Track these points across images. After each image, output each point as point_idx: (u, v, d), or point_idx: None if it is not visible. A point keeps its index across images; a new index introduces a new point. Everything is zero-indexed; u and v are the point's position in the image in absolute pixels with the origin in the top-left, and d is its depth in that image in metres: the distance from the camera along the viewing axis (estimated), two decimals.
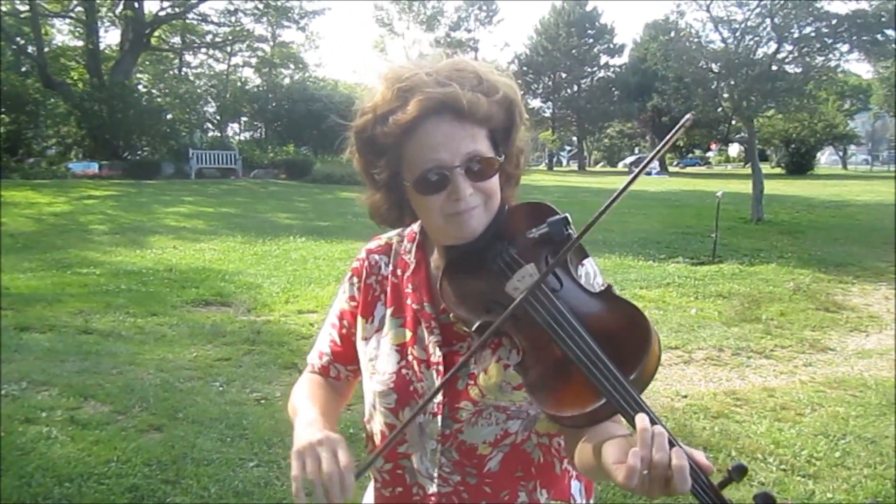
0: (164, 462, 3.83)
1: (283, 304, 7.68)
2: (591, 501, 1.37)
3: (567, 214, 1.17)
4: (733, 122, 34.04)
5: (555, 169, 53.95)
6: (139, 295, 7.92)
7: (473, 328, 1.14)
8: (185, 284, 8.48)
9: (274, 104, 37.65)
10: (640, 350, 1.02)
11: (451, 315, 1.22)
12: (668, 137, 1.09)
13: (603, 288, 1.16)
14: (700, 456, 0.95)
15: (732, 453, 4.08)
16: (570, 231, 1.15)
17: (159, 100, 33.47)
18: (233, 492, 3.57)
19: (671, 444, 0.92)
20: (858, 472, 3.88)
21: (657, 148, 1.13)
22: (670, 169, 51.07)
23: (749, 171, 17.42)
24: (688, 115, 1.08)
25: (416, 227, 1.35)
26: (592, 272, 1.27)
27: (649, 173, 42.48)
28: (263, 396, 4.88)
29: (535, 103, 57.43)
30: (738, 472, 0.93)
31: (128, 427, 4.29)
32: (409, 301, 1.30)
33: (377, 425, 1.32)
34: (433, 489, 1.25)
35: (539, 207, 1.23)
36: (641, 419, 0.94)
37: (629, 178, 1.12)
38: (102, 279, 8.68)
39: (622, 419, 1.03)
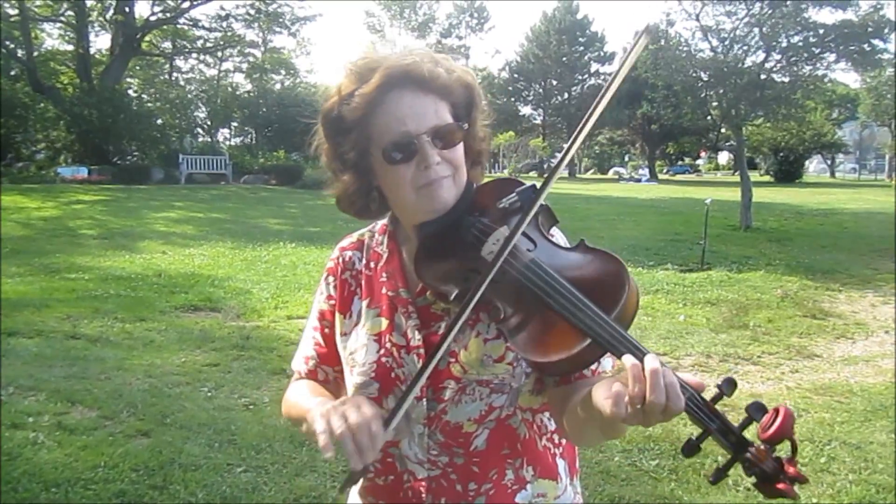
0: (151, 467, 3.82)
1: (273, 309, 7.67)
2: (576, 480, 1.38)
3: (535, 184, 1.19)
4: (722, 130, 34.26)
5: (545, 175, 54.07)
6: (128, 300, 7.90)
7: (452, 297, 1.16)
8: (174, 290, 8.46)
9: (265, 110, 37.66)
10: (618, 288, 1.05)
11: (427, 295, 1.25)
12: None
13: (577, 243, 1.20)
14: (689, 376, 0.98)
15: (719, 458, 4.10)
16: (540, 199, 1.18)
17: (150, 105, 33.49)
18: (220, 497, 3.57)
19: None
20: (843, 478, 3.92)
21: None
22: (660, 176, 51.28)
23: (738, 178, 17.52)
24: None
25: (385, 220, 1.38)
26: (563, 241, 1.29)
27: (639, 180, 42.59)
28: (252, 402, 4.88)
29: (526, 110, 57.71)
30: (729, 386, 0.95)
31: (115, 432, 4.28)
32: (384, 290, 1.31)
33: None
34: (423, 474, 1.25)
35: (507, 182, 1.26)
36: (628, 358, 0.96)
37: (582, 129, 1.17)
38: (91, 284, 8.65)
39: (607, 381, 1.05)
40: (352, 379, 1.31)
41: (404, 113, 1.19)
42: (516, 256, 1.12)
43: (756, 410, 0.94)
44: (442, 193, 1.21)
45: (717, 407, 0.97)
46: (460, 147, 1.24)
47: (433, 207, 1.22)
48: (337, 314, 1.37)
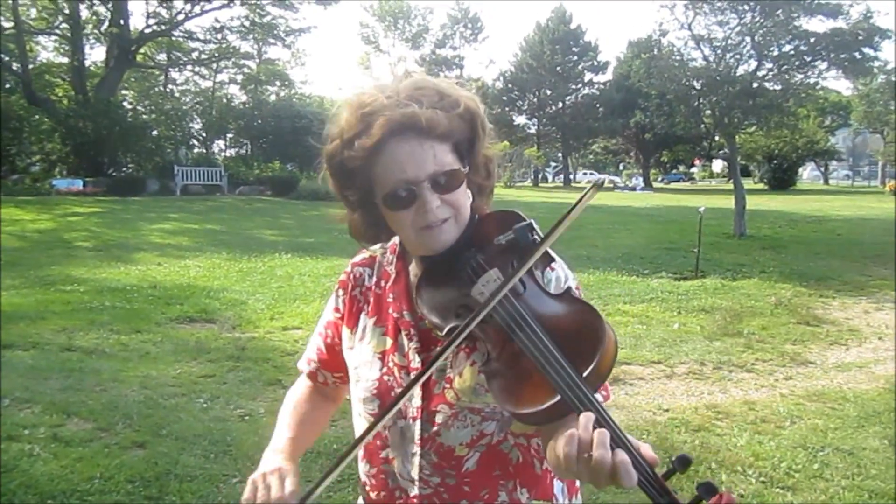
0: (147, 479, 3.83)
1: (268, 320, 7.68)
2: (575, 501, 1.39)
3: (532, 221, 1.22)
4: (716, 139, 34.42)
5: (540, 185, 54.20)
6: (123, 312, 7.89)
7: (444, 333, 1.19)
8: (169, 301, 8.45)
9: (260, 121, 37.66)
10: (593, 348, 1.06)
11: (427, 321, 1.27)
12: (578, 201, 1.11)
13: (563, 290, 1.22)
14: (646, 449, 0.99)
15: (713, 466, 4.13)
16: (536, 236, 1.20)
17: (145, 116, 33.48)
18: None
19: (616, 443, 0.96)
20: (836, 484, 3.94)
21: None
22: (654, 185, 51.44)
23: (732, 186, 17.59)
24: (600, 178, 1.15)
25: (396, 239, 1.40)
26: (563, 276, 1.30)
27: (633, 189, 42.78)
28: (247, 413, 4.88)
29: (521, 120, 57.84)
30: (682, 463, 0.97)
31: (111, 444, 4.28)
32: (390, 310, 1.35)
33: (362, 431, 1.35)
34: (415, 492, 1.28)
35: (508, 215, 1.28)
36: (585, 417, 0.97)
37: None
38: (86, 296, 8.64)
39: None
40: (356, 392, 1.36)
41: (403, 161, 1.20)
42: (501, 302, 1.14)
43: (706, 491, 0.96)
44: (441, 237, 1.24)
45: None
46: (462, 188, 1.26)
47: (433, 248, 1.26)
48: (344, 328, 1.43)
